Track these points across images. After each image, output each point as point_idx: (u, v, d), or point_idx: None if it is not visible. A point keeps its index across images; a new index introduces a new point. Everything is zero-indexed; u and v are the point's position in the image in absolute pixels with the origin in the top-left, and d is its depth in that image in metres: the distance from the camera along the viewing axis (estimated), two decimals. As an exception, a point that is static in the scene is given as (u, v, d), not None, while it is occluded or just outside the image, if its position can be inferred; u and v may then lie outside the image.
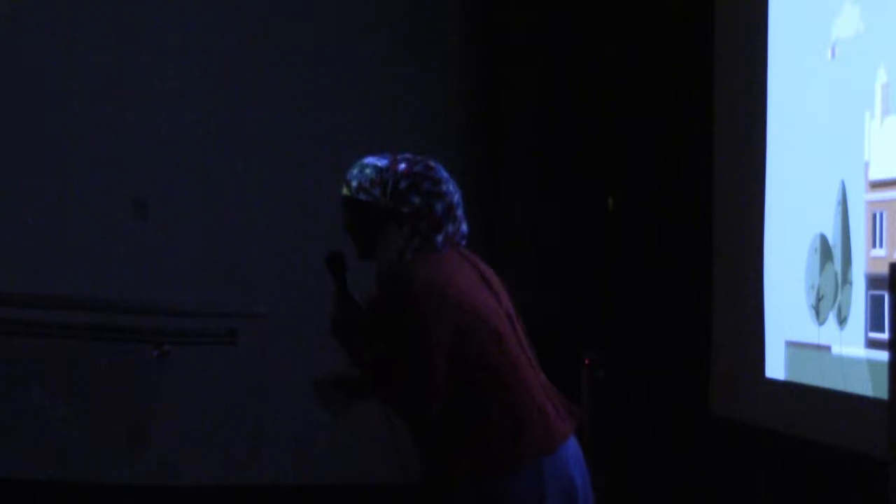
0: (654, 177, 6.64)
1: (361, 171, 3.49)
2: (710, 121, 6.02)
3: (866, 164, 4.83)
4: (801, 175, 5.35)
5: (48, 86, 7.16)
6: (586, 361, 6.00)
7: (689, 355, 6.26)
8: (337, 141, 6.98)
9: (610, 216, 6.70)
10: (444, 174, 3.49)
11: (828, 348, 5.08)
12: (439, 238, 3.44)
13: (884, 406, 3.62)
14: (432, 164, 3.50)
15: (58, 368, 7.13)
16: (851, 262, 4.90)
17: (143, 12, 7.22)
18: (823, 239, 5.13)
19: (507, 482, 3.34)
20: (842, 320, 4.96)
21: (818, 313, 5.16)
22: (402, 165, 3.46)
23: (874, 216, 4.78)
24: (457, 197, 3.49)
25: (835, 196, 5.02)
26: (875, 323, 4.74)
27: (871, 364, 4.73)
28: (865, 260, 4.83)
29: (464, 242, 3.51)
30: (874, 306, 4.75)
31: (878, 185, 4.78)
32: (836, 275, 5.01)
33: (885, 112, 4.73)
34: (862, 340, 4.80)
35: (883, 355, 4.30)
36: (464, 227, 3.50)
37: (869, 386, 4.74)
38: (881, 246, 4.73)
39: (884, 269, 4.42)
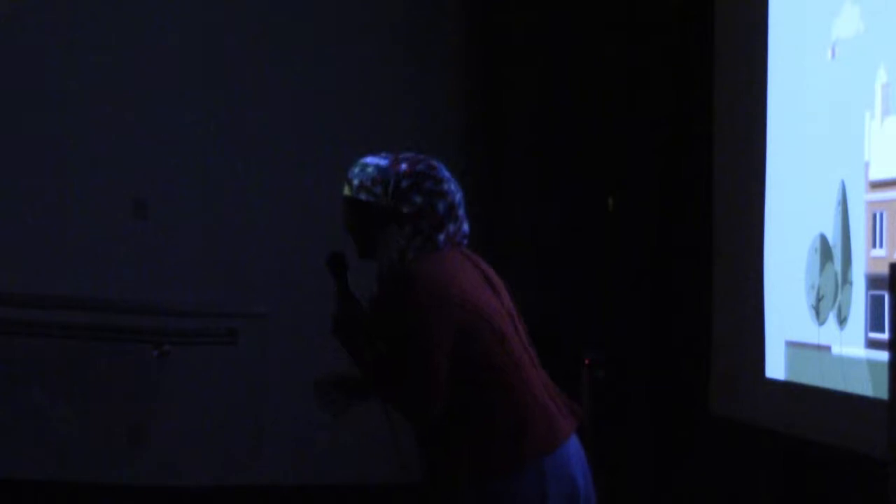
0: (654, 177, 6.64)
1: (363, 171, 3.48)
2: (710, 121, 6.02)
3: (866, 165, 4.83)
4: (801, 175, 5.35)
5: (48, 86, 7.16)
6: (586, 361, 6.00)
7: (689, 355, 6.26)
8: (337, 141, 6.97)
9: (610, 216, 6.70)
10: (446, 173, 3.49)
11: (828, 348, 5.08)
12: (441, 237, 3.43)
13: (884, 406, 3.62)
14: (434, 163, 3.49)
15: (58, 368, 7.12)
16: (851, 262, 4.91)
17: (143, 12, 7.22)
18: (823, 239, 5.13)
19: (510, 482, 3.33)
20: (842, 320, 4.96)
21: (818, 313, 5.16)
22: (404, 164, 3.46)
23: (874, 216, 4.78)
24: (458, 196, 3.48)
25: (835, 196, 5.02)
26: (875, 323, 4.74)
27: (871, 364, 4.73)
28: (865, 260, 4.83)
29: (465, 242, 3.51)
30: (874, 306, 4.75)
31: (878, 185, 4.78)
32: (836, 275, 5.01)
33: (885, 112, 4.74)
34: (862, 340, 4.81)
35: (883, 355, 4.30)
36: (465, 227, 3.50)
37: (869, 386, 4.74)
38: (881, 246, 4.73)
39: (884, 269, 4.42)
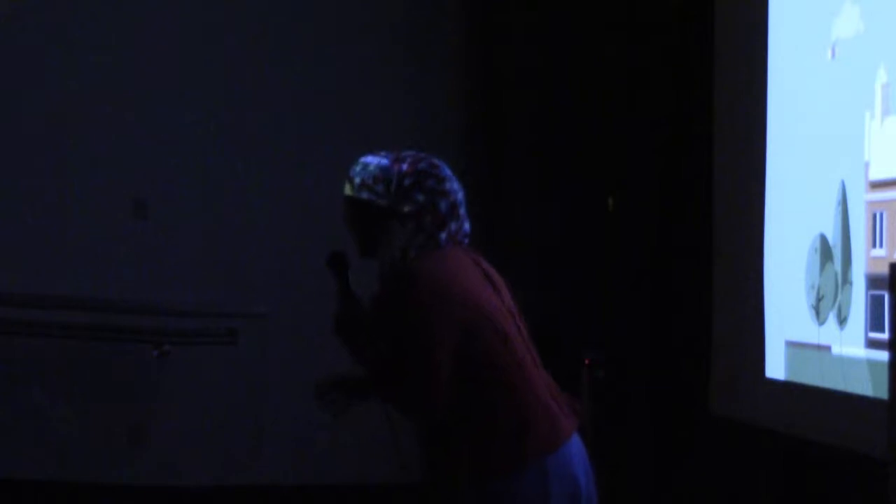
0: (654, 177, 6.64)
1: (364, 169, 3.48)
2: (710, 121, 6.02)
3: (866, 165, 4.83)
4: (801, 175, 5.36)
5: (48, 86, 7.16)
6: (586, 361, 6.00)
7: (689, 355, 6.27)
8: (337, 141, 6.97)
9: (610, 216, 6.70)
10: (448, 172, 3.49)
11: (828, 348, 5.08)
12: (443, 236, 3.43)
13: (884, 406, 3.62)
14: (436, 161, 3.49)
15: (58, 368, 7.12)
16: (851, 262, 4.91)
17: (143, 12, 7.22)
18: (823, 239, 5.13)
19: (511, 482, 3.33)
20: (842, 320, 4.96)
21: (818, 313, 5.16)
22: (406, 163, 3.46)
23: (874, 216, 4.78)
24: (460, 195, 3.48)
25: (835, 196, 5.02)
26: (875, 323, 4.74)
27: (871, 364, 4.73)
28: (865, 260, 4.83)
29: (466, 241, 3.51)
30: (874, 306, 4.75)
31: (878, 185, 4.78)
32: (836, 275, 5.01)
33: (885, 112, 4.74)
34: (862, 340, 4.81)
35: (883, 355, 4.30)
36: (466, 226, 3.50)
37: (869, 386, 4.74)
38: (881, 246, 4.73)
39: (884, 269, 4.42)
